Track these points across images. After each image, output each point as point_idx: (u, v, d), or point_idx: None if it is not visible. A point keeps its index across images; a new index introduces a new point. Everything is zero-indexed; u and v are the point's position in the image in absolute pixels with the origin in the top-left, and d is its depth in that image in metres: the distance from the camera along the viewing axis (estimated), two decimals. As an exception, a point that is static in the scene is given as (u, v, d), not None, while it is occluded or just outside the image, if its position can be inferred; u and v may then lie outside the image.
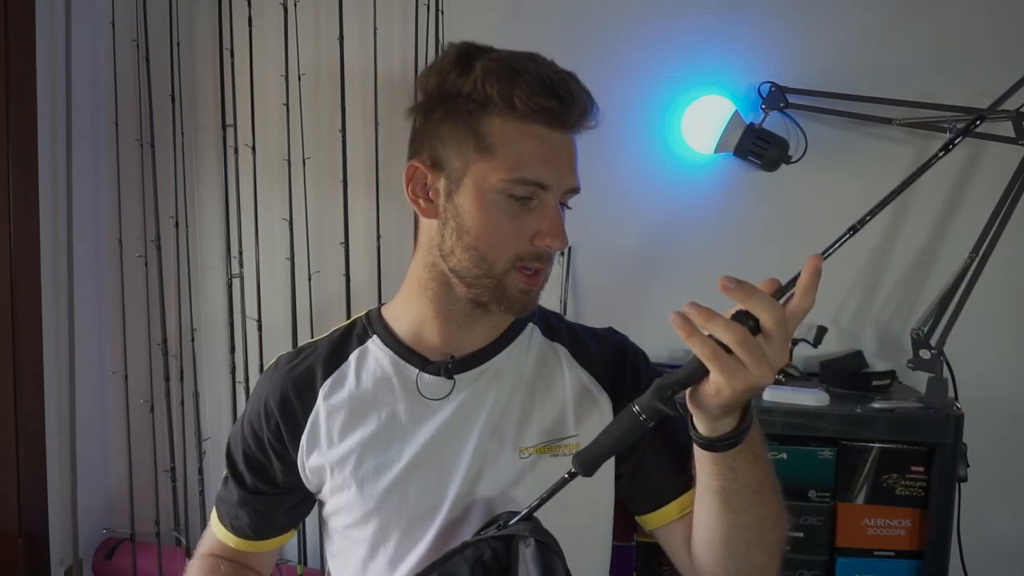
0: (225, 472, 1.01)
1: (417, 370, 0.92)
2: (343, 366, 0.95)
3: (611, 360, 0.96)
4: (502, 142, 0.83)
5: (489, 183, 0.83)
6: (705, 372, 0.66)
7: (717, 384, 0.66)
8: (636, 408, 0.71)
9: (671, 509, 0.91)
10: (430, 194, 0.88)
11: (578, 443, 0.91)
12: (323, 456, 0.93)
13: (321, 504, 0.99)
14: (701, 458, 0.76)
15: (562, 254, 1.91)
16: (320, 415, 0.93)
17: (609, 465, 0.93)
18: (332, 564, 1.00)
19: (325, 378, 0.94)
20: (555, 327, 0.98)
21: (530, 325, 0.97)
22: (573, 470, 0.75)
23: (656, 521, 0.93)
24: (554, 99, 0.82)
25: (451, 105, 0.85)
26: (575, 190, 0.89)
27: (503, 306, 0.87)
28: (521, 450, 0.89)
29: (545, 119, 0.83)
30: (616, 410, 0.93)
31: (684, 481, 0.90)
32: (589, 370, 0.95)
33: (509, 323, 0.95)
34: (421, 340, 0.93)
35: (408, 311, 0.94)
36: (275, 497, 0.99)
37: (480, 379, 0.92)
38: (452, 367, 0.91)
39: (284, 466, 0.96)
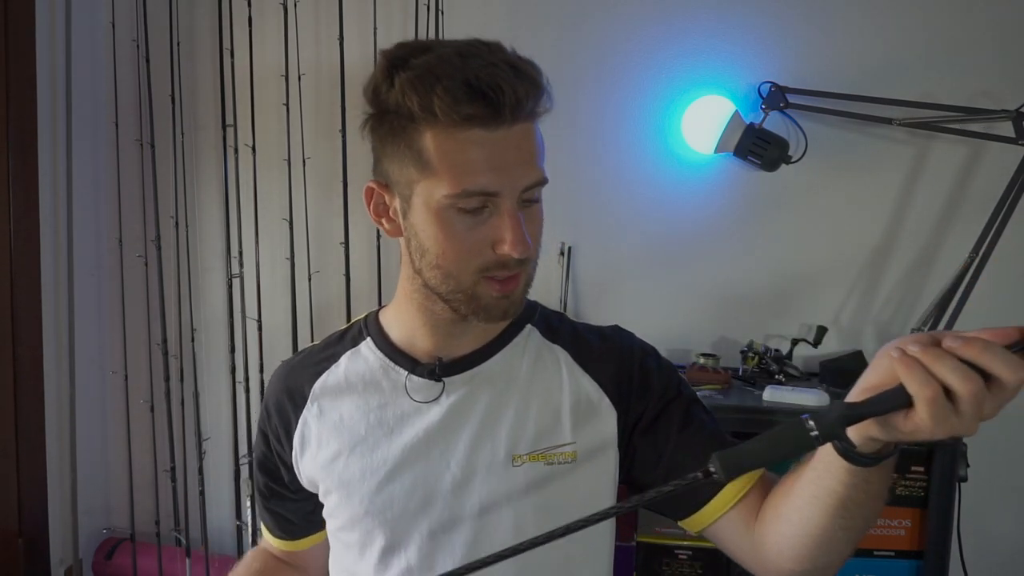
0: None
1: (406, 372, 0.91)
2: (333, 367, 0.94)
3: (616, 362, 0.92)
4: (439, 156, 0.77)
5: (435, 200, 0.78)
6: (907, 405, 0.59)
7: (920, 425, 0.58)
8: (811, 423, 0.61)
9: (723, 499, 0.84)
10: (391, 213, 0.86)
11: (575, 451, 0.88)
12: (314, 459, 0.92)
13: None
14: (834, 466, 0.68)
15: (562, 253, 1.91)
16: (310, 417, 0.93)
17: (611, 469, 0.91)
18: (331, 568, 0.99)
19: (315, 379, 0.94)
20: (556, 328, 0.95)
21: (528, 326, 0.94)
22: (712, 470, 0.62)
23: (708, 517, 0.86)
24: (478, 102, 0.74)
25: (388, 120, 0.80)
26: (538, 183, 0.81)
27: (481, 316, 0.84)
28: (514, 458, 0.87)
29: (477, 123, 0.76)
30: (621, 416, 0.90)
31: None
32: (591, 374, 0.91)
33: (504, 326, 0.93)
34: (413, 345, 0.92)
35: (399, 319, 0.93)
36: (286, 500, 1.00)
37: (472, 382, 0.90)
38: (440, 369, 0.89)
39: (286, 469, 0.97)
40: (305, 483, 0.96)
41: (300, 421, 0.93)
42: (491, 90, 0.74)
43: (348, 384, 0.93)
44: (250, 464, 1.98)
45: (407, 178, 0.80)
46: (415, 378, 0.90)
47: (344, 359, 0.94)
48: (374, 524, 0.89)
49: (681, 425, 0.88)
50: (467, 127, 0.76)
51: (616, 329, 0.97)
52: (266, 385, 1.02)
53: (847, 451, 0.65)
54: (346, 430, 0.91)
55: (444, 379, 0.89)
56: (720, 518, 0.85)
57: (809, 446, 0.62)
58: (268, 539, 1.05)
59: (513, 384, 0.90)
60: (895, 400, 0.59)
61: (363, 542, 0.90)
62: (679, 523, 0.89)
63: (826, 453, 0.68)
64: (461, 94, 0.74)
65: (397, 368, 0.91)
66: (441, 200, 0.78)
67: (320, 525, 1.00)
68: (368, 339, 0.95)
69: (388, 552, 0.89)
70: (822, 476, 0.70)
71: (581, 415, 0.89)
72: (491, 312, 0.84)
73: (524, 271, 0.83)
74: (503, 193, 0.78)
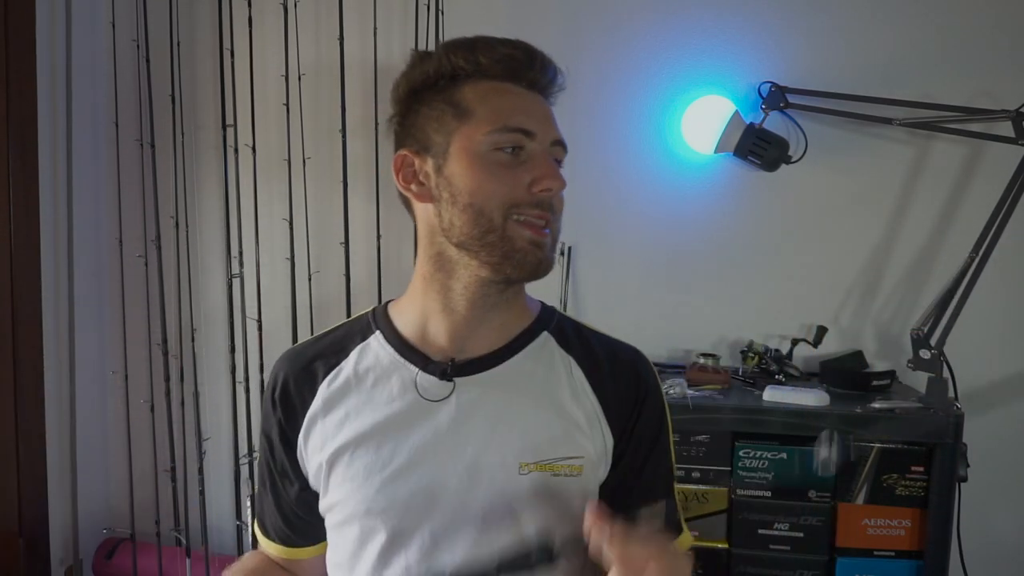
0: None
1: (417, 369, 0.89)
2: (343, 362, 0.93)
3: (623, 389, 0.92)
4: (478, 102, 0.85)
5: (475, 142, 0.84)
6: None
7: None
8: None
9: None
10: (420, 178, 0.88)
11: (582, 465, 0.88)
12: (320, 453, 0.91)
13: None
14: None
15: (562, 253, 1.91)
16: (318, 411, 0.92)
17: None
18: (328, 562, 0.97)
19: (326, 374, 0.93)
20: (570, 339, 0.94)
21: (544, 334, 0.93)
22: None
23: None
24: (516, 53, 0.86)
25: (423, 93, 0.88)
26: (562, 144, 0.89)
27: (514, 263, 0.84)
28: (521, 465, 0.86)
29: (512, 73, 0.86)
30: (617, 445, 0.90)
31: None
32: (597, 392, 0.91)
33: (520, 328, 0.92)
34: (426, 338, 0.91)
35: (413, 307, 0.92)
36: (287, 496, 0.97)
37: (484, 384, 0.88)
38: (452, 369, 0.88)
39: (291, 460, 0.95)
40: (310, 476, 0.94)
41: (308, 415, 0.92)
42: (521, 47, 0.87)
43: (357, 379, 0.91)
44: (250, 464, 1.98)
45: (445, 131, 0.86)
46: (426, 375, 0.89)
47: (354, 354, 0.93)
48: (376, 522, 0.88)
49: (633, 470, 0.91)
50: (502, 78, 0.87)
51: (634, 354, 0.96)
52: (267, 375, 1.00)
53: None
54: (353, 426, 0.89)
55: (456, 379, 0.88)
56: None
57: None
58: (264, 544, 1.02)
59: (526, 390, 0.89)
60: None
61: (363, 539, 0.89)
62: None
63: None
64: (501, 49, 0.86)
65: (408, 364, 0.90)
66: (481, 140, 0.84)
67: (320, 536, 0.98)
68: (378, 332, 0.93)
69: (388, 550, 0.88)
70: None
71: (588, 430, 0.89)
72: (526, 259, 0.84)
73: (553, 225, 0.86)
74: (538, 136, 0.85)
